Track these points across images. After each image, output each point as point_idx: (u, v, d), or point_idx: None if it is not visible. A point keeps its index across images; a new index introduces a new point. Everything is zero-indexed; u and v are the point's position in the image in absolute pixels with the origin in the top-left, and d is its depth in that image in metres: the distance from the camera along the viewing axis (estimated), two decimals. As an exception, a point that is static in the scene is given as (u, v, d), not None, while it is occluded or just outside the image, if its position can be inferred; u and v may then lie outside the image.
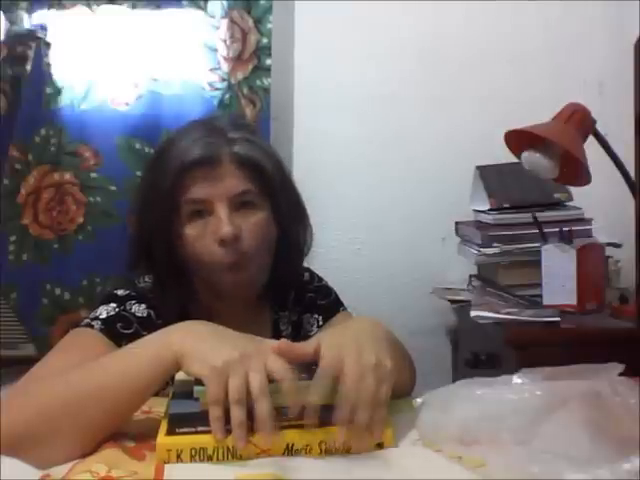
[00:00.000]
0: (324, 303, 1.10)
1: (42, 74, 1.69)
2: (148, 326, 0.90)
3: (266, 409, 0.66)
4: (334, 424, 0.69)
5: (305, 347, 0.74)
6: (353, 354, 0.70)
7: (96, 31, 1.70)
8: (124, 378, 0.71)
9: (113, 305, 0.94)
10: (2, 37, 1.69)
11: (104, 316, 0.92)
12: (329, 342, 0.73)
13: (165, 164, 0.94)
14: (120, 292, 0.97)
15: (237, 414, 0.66)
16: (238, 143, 0.94)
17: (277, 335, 1.03)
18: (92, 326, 0.90)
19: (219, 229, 0.90)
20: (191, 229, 0.92)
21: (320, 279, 1.14)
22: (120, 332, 0.90)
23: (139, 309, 0.95)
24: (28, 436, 0.69)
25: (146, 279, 1.01)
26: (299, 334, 1.06)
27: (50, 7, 1.70)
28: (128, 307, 0.95)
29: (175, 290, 0.96)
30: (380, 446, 0.70)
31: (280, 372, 0.68)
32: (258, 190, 0.94)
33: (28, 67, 1.69)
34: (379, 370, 0.70)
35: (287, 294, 1.07)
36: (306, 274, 1.12)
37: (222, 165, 0.92)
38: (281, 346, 0.73)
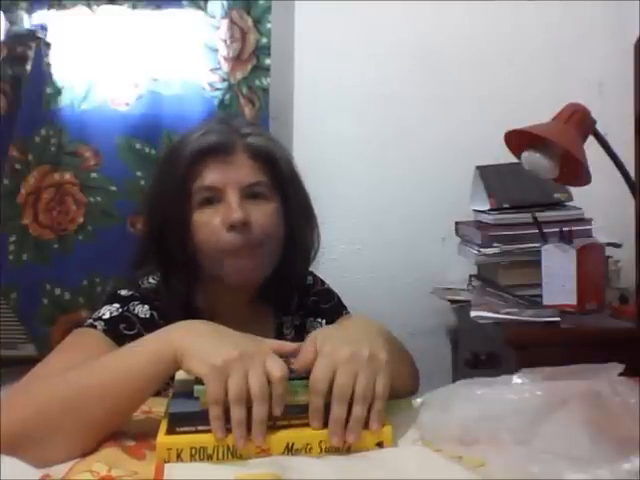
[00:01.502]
0: (327, 307, 1.10)
1: (42, 74, 1.69)
2: (151, 327, 0.90)
3: (262, 412, 0.67)
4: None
5: (297, 346, 0.75)
6: (346, 349, 0.71)
7: (96, 31, 1.70)
8: (125, 376, 0.71)
9: (116, 306, 0.94)
10: (2, 37, 1.69)
11: (107, 316, 0.92)
12: (323, 340, 0.74)
13: (179, 154, 0.95)
14: (124, 292, 0.97)
15: (237, 413, 0.66)
16: (251, 136, 0.97)
17: (280, 339, 1.03)
18: (95, 326, 0.90)
19: (229, 214, 0.91)
20: (201, 215, 0.93)
21: (323, 283, 1.14)
22: (123, 333, 0.90)
23: (142, 310, 0.95)
24: (28, 435, 0.69)
25: (150, 280, 1.01)
26: (302, 338, 1.06)
27: (50, 7, 1.70)
28: (131, 308, 0.95)
29: (181, 285, 0.96)
30: (380, 445, 0.70)
31: (278, 373, 0.68)
32: (270, 182, 0.96)
33: (28, 67, 1.69)
34: (373, 363, 0.71)
35: (290, 298, 1.07)
36: (309, 278, 1.12)
37: (235, 154, 0.94)
38: (274, 347, 0.73)
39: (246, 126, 0.99)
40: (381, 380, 0.70)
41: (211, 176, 0.93)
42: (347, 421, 0.69)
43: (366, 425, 0.70)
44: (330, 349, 0.71)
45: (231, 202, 0.92)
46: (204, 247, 0.94)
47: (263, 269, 0.97)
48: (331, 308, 1.10)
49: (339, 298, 1.14)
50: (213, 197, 0.93)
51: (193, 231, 0.94)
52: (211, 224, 0.93)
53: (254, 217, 0.93)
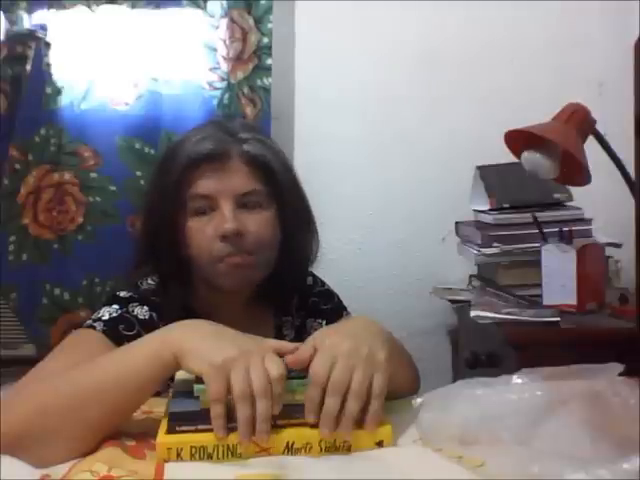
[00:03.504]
0: (327, 307, 1.10)
1: (42, 74, 1.69)
2: (150, 328, 0.89)
3: (266, 410, 0.67)
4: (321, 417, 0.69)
5: (297, 346, 0.75)
6: (346, 344, 0.71)
7: (96, 31, 1.70)
8: (124, 377, 0.72)
9: (115, 307, 0.94)
10: (2, 37, 1.69)
11: (106, 317, 0.92)
12: (323, 337, 0.74)
13: (174, 160, 0.94)
14: (123, 294, 0.97)
15: (245, 411, 0.66)
16: (249, 142, 0.95)
17: (280, 339, 1.03)
18: (94, 327, 0.90)
19: (222, 224, 0.91)
20: (195, 223, 0.93)
21: (323, 283, 1.14)
22: (122, 334, 0.90)
23: (141, 311, 0.95)
24: (28, 435, 0.69)
25: (149, 281, 1.01)
26: (302, 339, 1.06)
27: (50, 7, 1.70)
28: (130, 309, 0.95)
29: (179, 288, 0.96)
30: (380, 445, 0.70)
31: (276, 371, 0.68)
32: (266, 191, 0.95)
33: (28, 67, 1.69)
34: (372, 360, 0.71)
35: (290, 299, 1.07)
36: (309, 278, 1.12)
37: (231, 162, 0.93)
38: (273, 346, 0.73)
39: (244, 131, 0.97)
40: (379, 378, 0.70)
41: (205, 184, 0.92)
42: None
43: (363, 423, 0.70)
44: (330, 344, 0.72)
45: (224, 212, 0.91)
46: (197, 255, 0.94)
47: (256, 276, 0.97)
48: (331, 309, 1.10)
49: (339, 299, 1.14)
50: (207, 205, 0.93)
51: (187, 238, 0.93)
52: (204, 233, 0.92)
53: (248, 226, 0.92)
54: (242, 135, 0.96)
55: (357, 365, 0.70)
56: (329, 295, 1.13)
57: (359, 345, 0.72)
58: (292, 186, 1.00)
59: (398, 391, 0.85)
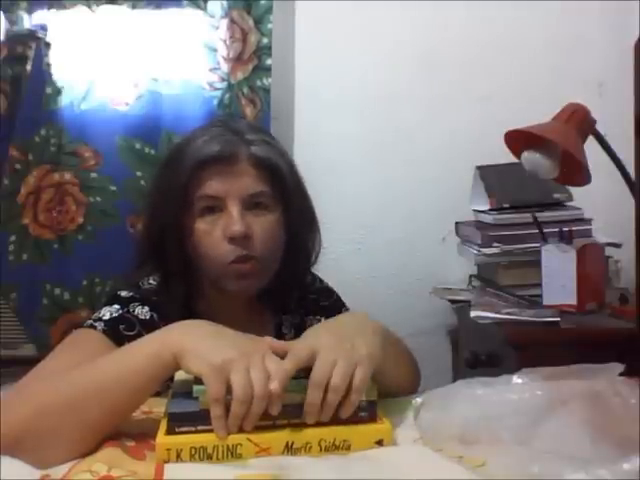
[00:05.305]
0: (327, 305, 1.10)
1: (42, 74, 1.69)
2: (151, 328, 0.89)
3: (260, 410, 0.67)
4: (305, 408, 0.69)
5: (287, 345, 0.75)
6: (329, 343, 0.72)
7: (96, 31, 1.70)
8: (124, 377, 0.71)
9: (116, 307, 0.94)
10: (2, 37, 1.69)
11: (107, 317, 0.92)
12: (310, 336, 0.75)
13: (181, 160, 0.94)
14: (123, 294, 0.97)
15: (240, 409, 0.66)
16: (256, 144, 0.95)
17: (280, 338, 1.03)
18: (95, 327, 0.90)
19: (230, 226, 0.91)
20: (202, 224, 0.93)
21: (321, 281, 1.14)
22: (123, 334, 0.90)
23: (142, 311, 0.95)
24: (28, 435, 0.69)
25: (150, 281, 1.01)
26: None
27: (50, 7, 1.70)
28: (131, 309, 0.94)
29: (180, 288, 0.96)
30: (379, 444, 0.70)
31: (275, 371, 0.68)
32: (272, 192, 0.95)
33: (28, 67, 1.69)
34: (352, 355, 0.71)
35: (290, 297, 1.07)
36: (308, 276, 1.12)
37: (238, 163, 0.93)
38: (272, 346, 0.73)
39: (250, 132, 0.97)
40: (359, 372, 0.70)
41: (213, 185, 0.92)
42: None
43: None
44: (316, 341, 0.72)
45: (232, 213, 0.91)
46: (205, 256, 0.94)
47: (262, 279, 0.97)
48: (331, 305, 1.10)
49: (338, 296, 1.14)
50: (214, 206, 0.93)
51: (194, 239, 0.93)
52: (212, 234, 0.92)
53: (255, 228, 0.92)
54: (249, 136, 0.95)
55: (338, 360, 0.70)
56: (328, 292, 1.13)
57: (342, 340, 0.72)
58: (297, 187, 1.00)
59: (396, 388, 0.85)
